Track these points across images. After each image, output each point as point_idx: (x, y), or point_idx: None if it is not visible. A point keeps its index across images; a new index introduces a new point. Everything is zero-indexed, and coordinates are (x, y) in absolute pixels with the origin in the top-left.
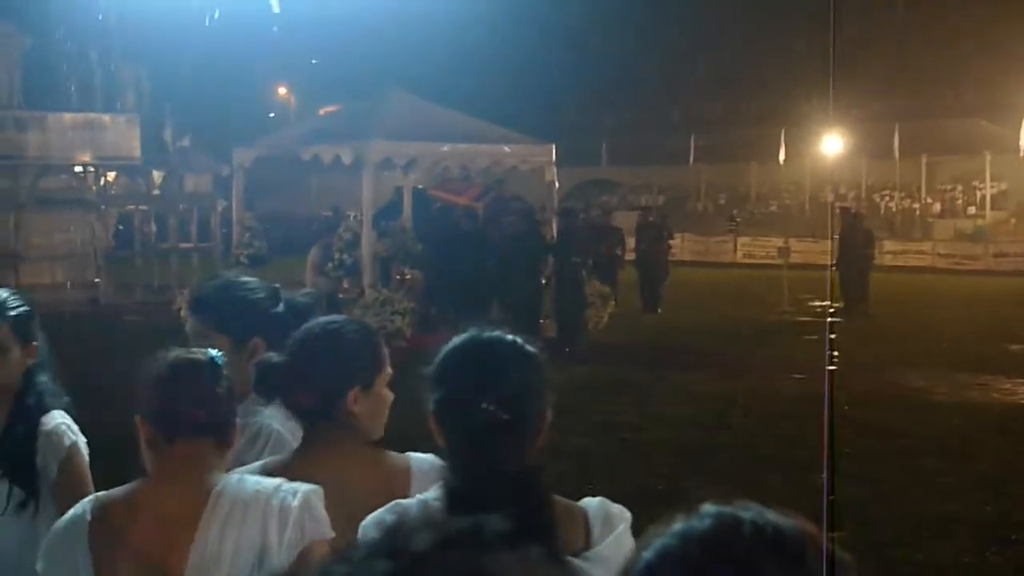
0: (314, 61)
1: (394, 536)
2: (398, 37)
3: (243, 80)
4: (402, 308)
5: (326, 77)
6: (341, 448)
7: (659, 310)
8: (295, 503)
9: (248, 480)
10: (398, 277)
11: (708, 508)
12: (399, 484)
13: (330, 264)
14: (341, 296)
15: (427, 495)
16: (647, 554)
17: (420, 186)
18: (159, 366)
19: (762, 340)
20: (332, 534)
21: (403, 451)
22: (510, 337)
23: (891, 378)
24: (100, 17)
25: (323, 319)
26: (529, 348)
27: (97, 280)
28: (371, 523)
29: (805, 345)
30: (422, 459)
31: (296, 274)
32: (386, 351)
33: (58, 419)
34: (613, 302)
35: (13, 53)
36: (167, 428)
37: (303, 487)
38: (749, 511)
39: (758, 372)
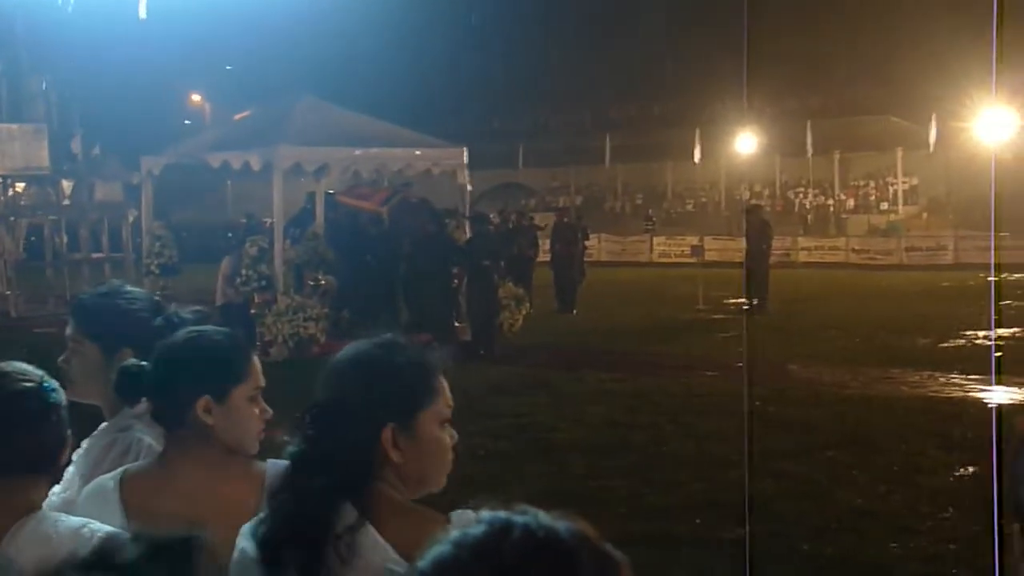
0: (228, 67)
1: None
2: (311, 42)
3: (156, 88)
4: (315, 314)
5: (240, 84)
6: (194, 456)
7: (575, 311)
8: (88, 550)
9: (48, 520)
10: (311, 283)
11: (483, 514)
12: (249, 492)
13: (238, 280)
14: (254, 310)
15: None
16: (422, 563)
17: (330, 191)
18: None
19: (677, 338)
20: None
21: None
22: (377, 352)
23: (802, 373)
24: (5, 28)
25: (189, 329)
26: (396, 362)
27: (7, 292)
28: (245, 531)
29: (719, 342)
30: (279, 465)
31: (209, 283)
32: (255, 365)
33: None
34: (528, 304)
35: None
36: None
37: (104, 530)
38: (524, 516)
39: (673, 370)
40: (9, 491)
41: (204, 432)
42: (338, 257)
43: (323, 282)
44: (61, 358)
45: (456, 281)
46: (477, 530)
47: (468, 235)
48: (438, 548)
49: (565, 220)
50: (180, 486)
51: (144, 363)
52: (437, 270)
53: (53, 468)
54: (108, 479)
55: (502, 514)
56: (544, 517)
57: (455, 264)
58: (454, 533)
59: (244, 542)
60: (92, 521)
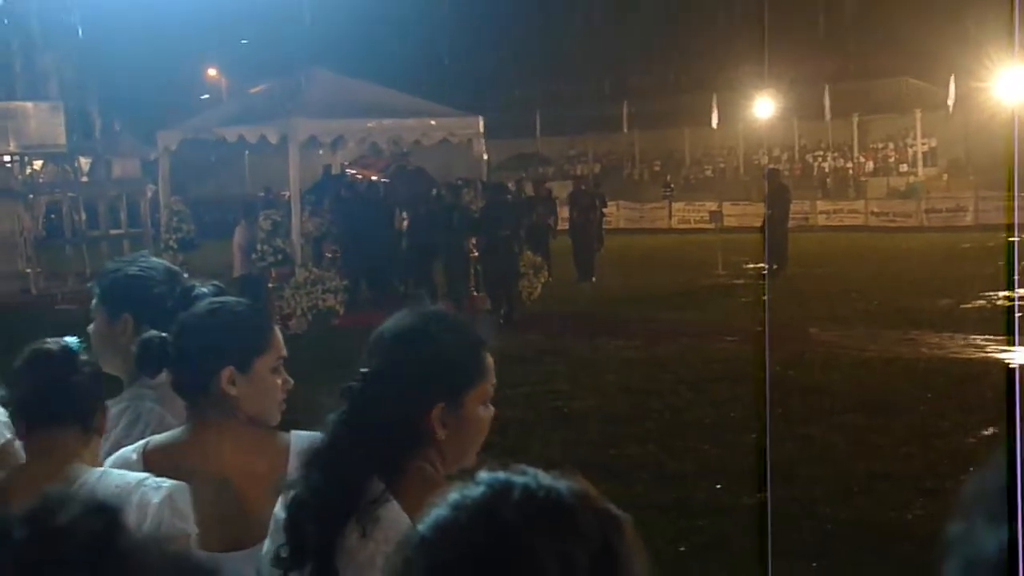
0: (244, 41)
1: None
2: (325, 15)
3: (172, 62)
4: (334, 286)
5: (255, 57)
6: (217, 427)
7: (593, 279)
8: (156, 499)
9: (112, 475)
10: (328, 255)
11: (481, 475)
12: (274, 462)
13: (254, 255)
14: (272, 284)
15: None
16: (422, 527)
17: (344, 163)
18: (18, 359)
19: (696, 304)
20: (194, 531)
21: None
22: (425, 325)
23: (822, 337)
24: (19, 5)
25: (211, 300)
26: (444, 337)
27: (28, 270)
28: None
29: (738, 308)
30: (303, 437)
31: (228, 257)
32: (277, 336)
33: None
34: (546, 272)
35: None
36: (24, 419)
37: (167, 483)
38: (523, 476)
39: (691, 336)
40: (50, 442)
41: (227, 403)
42: (337, 225)
43: (339, 254)
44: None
45: (473, 250)
46: (476, 491)
47: (482, 204)
48: (437, 511)
49: (583, 188)
50: (203, 458)
51: (165, 334)
52: (441, 239)
53: (88, 422)
54: (130, 451)
55: (501, 475)
56: (544, 477)
57: (467, 233)
58: (453, 495)
59: (280, 508)
60: (151, 475)
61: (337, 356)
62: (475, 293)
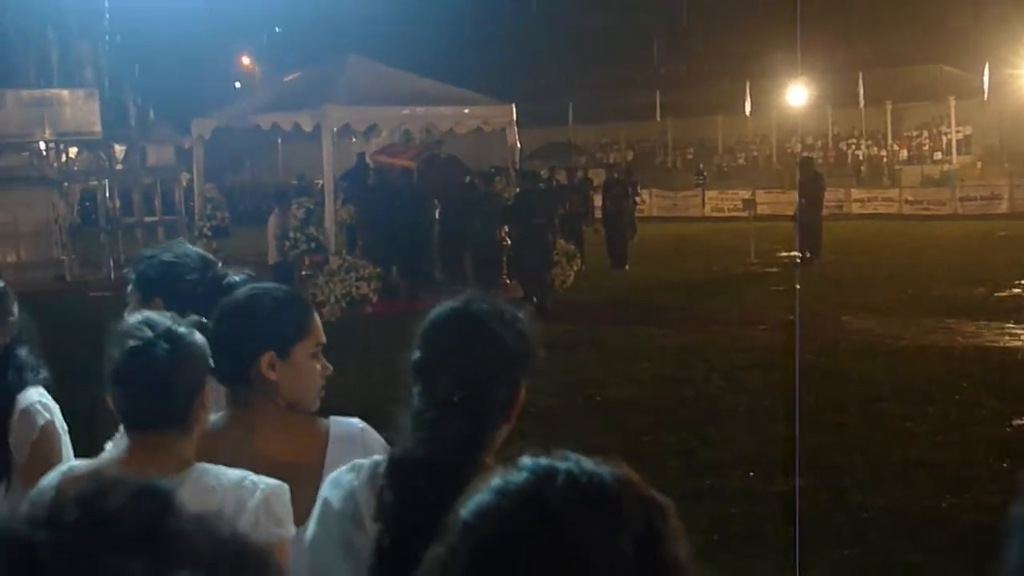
0: (277, 29)
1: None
2: (358, 2)
3: (206, 50)
4: (367, 274)
5: (289, 45)
6: (256, 412)
7: (627, 267)
8: (252, 502)
9: (209, 473)
10: (361, 243)
11: (524, 461)
12: (313, 448)
13: (287, 243)
14: (305, 271)
15: (380, 457)
16: (464, 512)
17: (371, 152)
18: (116, 350)
19: (729, 292)
20: (291, 534)
21: (370, 416)
22: (500, 310)
23: (855, 325)
24: None
25: (251, 286)
26: (518, 324)
27: (62, 257)
28: (329, 482)
29: (771, 296)
30: (342, 423)
31: (261, 244)
32: (316, 322)
33: (34, 398)
34: (580, 260)
35: None
36: (124, 420)
37: (264, 484)
38: (566, 461)
39: (725, 325)
40: (157, 446)
41: (267, 389)
42: (365, 212)
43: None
44: None
45: (505, 239)
46: (519, 477)
47: (515, 192)
48: (480, 496)
49: (615, 176)
50: (245, 443)
51: (205, 320)
52: (473, 226)
53: (189, 421)
54: None
55: (544, 460)
56: (587, 463)
57: (499, 222)
58: (495, 480)
59: (329, 492)
60: (251, 473)
61: (370, 343)
62: (507, 281)
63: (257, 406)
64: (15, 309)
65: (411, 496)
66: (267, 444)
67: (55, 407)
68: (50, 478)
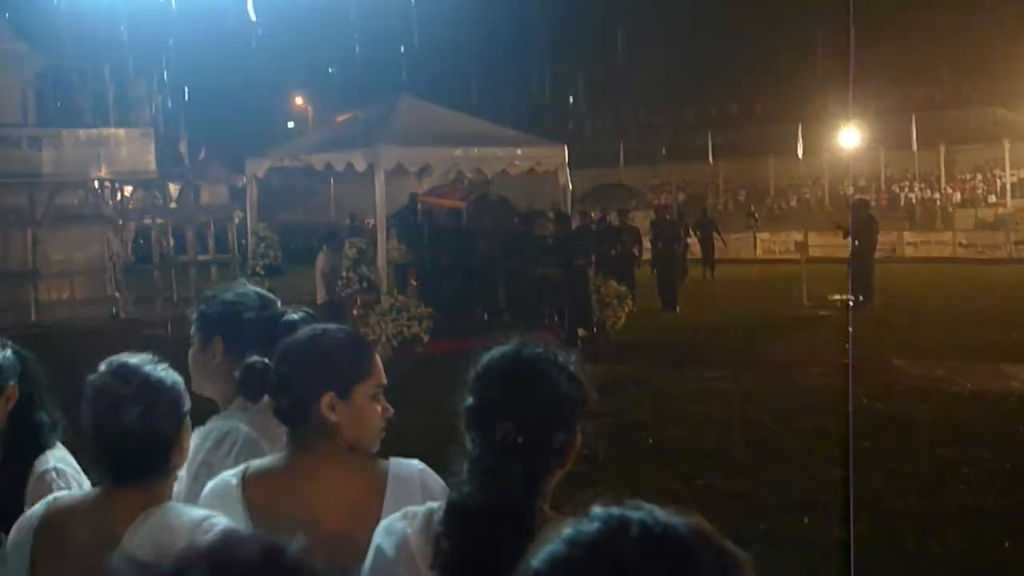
0: (330, 70)
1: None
2: (411, 43)
3: (260, 91)
4: (418, 314)
5: (342, 86)
6: (317, 453)
7: (677, 308)
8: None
9: (173, 511)
10: (414, 283)
11: (596, 511)
12: (373, 490)
13: (339, 282)
14: (356, 311)
15: (434, 504)
16: (535, 562)
17: (414, 192)
18: (90, 407)
19: (782, 335)
20: None
21: (425, 457)
22: (553, 355)
23: (910, 369)
24: (112, 33)
25: (312, 326)
26: (571, 368)
27: (116, 294)
28: (382, 529)
29: (824, 339)
30: (402, 464)
31: (313, 283)
32: (377, 363)
33: (50, 463)
34: (631, 301)
35: (27, 72)
36: (99, 470)
37: (222, 524)
38: (639, 511)
39: (777, 367)
40: (137, 487)
41: (328, 429)
42: (421, 254)
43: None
44: None
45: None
46: (591, 527)
47: (555, 234)
48: (552, 546)
49: (667, 218)
50: (304, 484)
51: (261, 360)
52: (519, 268)
53: (166, 466)
54: (231, 476)
55: (616, 510)
56: (661, 513)
57: (541, 263)
58: (567, 530)
59: (383, 539)
60: (215, 514)
61: (422, 383)
62: (547, 323)
63: (318, 447)
64: (14, 373)
65: (470, 544)
66: (327, 486)
67: (72, 469)
68: (36, 509)
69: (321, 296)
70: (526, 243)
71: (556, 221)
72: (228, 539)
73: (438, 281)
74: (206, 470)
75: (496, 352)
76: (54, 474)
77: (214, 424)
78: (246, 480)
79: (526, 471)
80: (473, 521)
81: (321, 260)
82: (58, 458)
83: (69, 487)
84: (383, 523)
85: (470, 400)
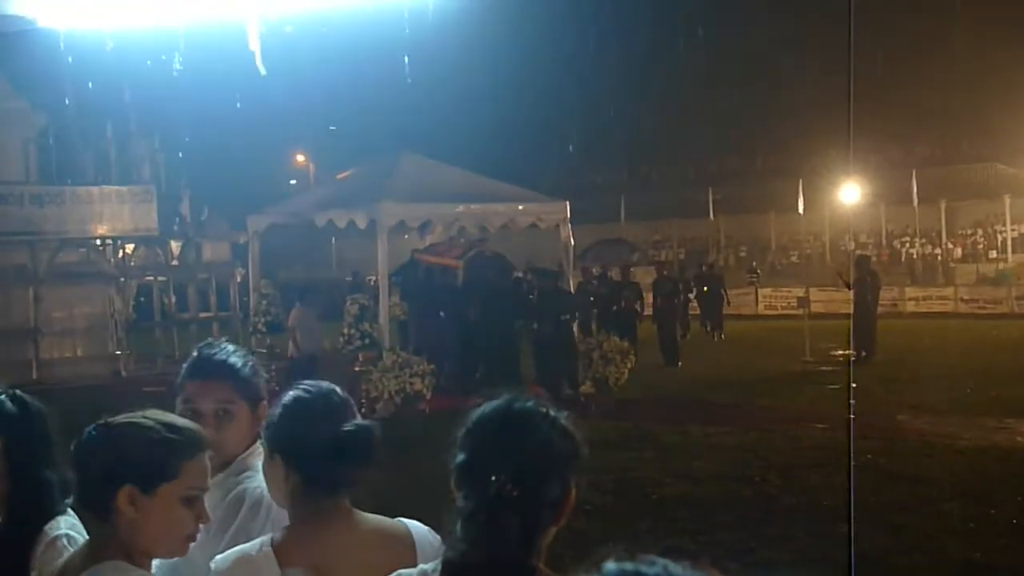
0: (332, 128)
1: None
2: (412, 101)
3: (261, 148)
4: (421, 370)
5: (344, 143)
6: (345, 520)
7: (679, 364)
8: None
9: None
10: (413, 340)
11: (609, 566)
12: (405, 555)
13: (341, 339)
14: (358, 369)
15: (427, 565)
16: None
17: (415, 251)
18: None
19: (783, 391)
20: None
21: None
22: (544, 409)
23: (913, 424)
24: (114, 92)
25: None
26: (562, 422)
27: (118, 352)
28: None
29: (827, 394)
30: (420, 528)
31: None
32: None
33: (62, 529)
34: (633, 357)
35: (28, 130)
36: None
37: None
38: (653, 567)
39: (780, 423)
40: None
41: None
42: (420, 311)
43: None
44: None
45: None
46: None
47: (569, 288)
48: None
49: (665, 274)
50: (331, 552)
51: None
52: (509, 323)
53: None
54: (250, 548)
55: (630, 565)
56: (674, 567)
57: (525, 319)
58: None
59: None
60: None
61: (425, 440)
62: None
63: (345, 513)
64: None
65: None
66: (356, 554)
67: (83, 538)
68: None
69: (291, 351)
70: (514, 300)
71: (543, 277)
72: None
73: (437, 339)
74: (240, 534)
75: (486, 407)
76: (65, 541)
77: (228, 479)
78: (274, 548)
79: (520, 526)
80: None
81: (292, 316)
82: (69, 525)
83: None
84: None
85: (461, 456)
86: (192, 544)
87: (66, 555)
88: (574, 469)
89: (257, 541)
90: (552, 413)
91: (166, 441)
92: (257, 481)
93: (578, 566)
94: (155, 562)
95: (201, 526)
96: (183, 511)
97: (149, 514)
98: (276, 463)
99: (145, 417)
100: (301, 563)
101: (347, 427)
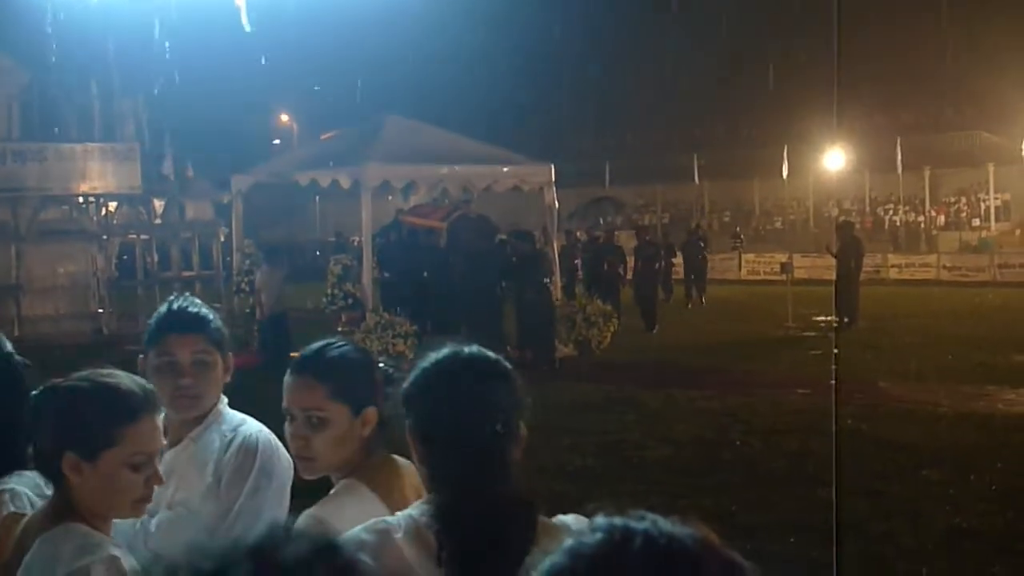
0: (316, 88)
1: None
2: (397, 61)
3: (245, 108)
4: (404, 331)
5: (328, 103)
6: None
7: (655, 329)
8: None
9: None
10: (397, 301)
11: (599, 521)
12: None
13: (324, 300)
14: (340, 329)
15: (411, 511)
16: (536, 574)
17: (399, 212)
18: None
19: (766, 356)
20: None
21: None
22: (489, 354)
23: (894, 391)
24: (97, 49)
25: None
26: (504, 364)
27: (100, 310)
28: (362, 529)
29: (809, 360)
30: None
31: (298, 301)
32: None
33: (8, 484)
34: (616, 321)
35: (11, 87)
36: None
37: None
38: (642, 522)
39: (762, 388)
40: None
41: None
42: (403, 273)
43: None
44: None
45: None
46: (594, 538)
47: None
48: (552, 558)
49: (647, 239)
50: None
51: None
52: (491, 285)
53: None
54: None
55: (619, 520)
56: (665, 523)
57: (503, 281)
58: (569, 542)
59: (366, 535)
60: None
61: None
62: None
63: None
64: None
65: (475, 534)
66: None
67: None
68: None
69: (260, 313)
70: (494, 261)
71: (521, 240)
72: (275, 535)
73: (420, 300)
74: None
75: (432, 357)
76: (8, 496)
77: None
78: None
79: (495, 463)
80: (470, 514)
81: (259, 276)
82: (25, 482)
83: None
84: (359, 528)
85: (416, 410)
86: (182, 497)
87: (5, 511)
88: (520, 406)
89: (398, 517)
90: (492, 356)
91: (107, 407)
92: (255, 427)
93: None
94: (157, 516)
95: (209, 478)
96: (130, 475)
97: (93, 480)
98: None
99: (88, 380)
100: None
101: None
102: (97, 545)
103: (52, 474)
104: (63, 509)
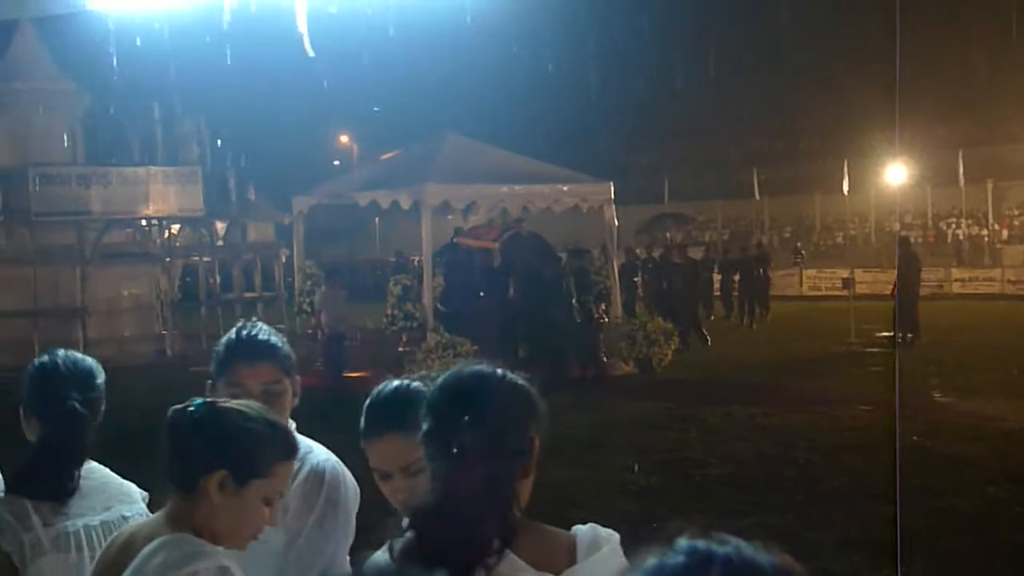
0: (376, 109)
1: None
2: (456, 81)
3: (306, 129)
4: (465, 351)
5: (387, 124)
6: None
7: (708, 343)
8: None
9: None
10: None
11: (681, 543)
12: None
13: (385, 320)
14: (401, 349)
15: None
16: None
17: (455, 235)
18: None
19: (828, 372)
20: None
21: None
22: (491, 370)
23: (959, 407)
24: (160, 73)
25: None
26: (510, 379)
27: (164, 332)
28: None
29: (871, 376)
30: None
31: (357, 320)
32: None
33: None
34: (677, 338)
35: (75, 110)
36: None
37: None
38: (725, 546)
39: (825, 404)
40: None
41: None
42: (459, 294)
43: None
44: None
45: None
46: (675, 560)
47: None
48: None
49: (705, 254)
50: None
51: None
52: (547, 303)
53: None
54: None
55: (702, 543)
56: (747, 548)
57: (552, 299)
58: (650, 562)
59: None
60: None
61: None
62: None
63: None
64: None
65: (437, 537)
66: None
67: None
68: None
69: (321, 334)
70: (552, 279)
71: (576, 257)
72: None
73: (476, 321)
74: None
75: (442, 378)
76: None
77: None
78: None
79: (485, 477)
80: (438, 518)
81: (319, 297)
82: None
83: None
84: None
85: (426, 424)
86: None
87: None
88: (533, 423)
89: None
90: (505, 374)
91: (269, 438)
92: (323, 454)
93: (638, 544)
94: None
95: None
96: (262, 509)
97: (234, 504)
98: None
99: (251, 408)
100: None
101: None
102: (210, 553)
103: (188, 485)
104: (181, 521)
